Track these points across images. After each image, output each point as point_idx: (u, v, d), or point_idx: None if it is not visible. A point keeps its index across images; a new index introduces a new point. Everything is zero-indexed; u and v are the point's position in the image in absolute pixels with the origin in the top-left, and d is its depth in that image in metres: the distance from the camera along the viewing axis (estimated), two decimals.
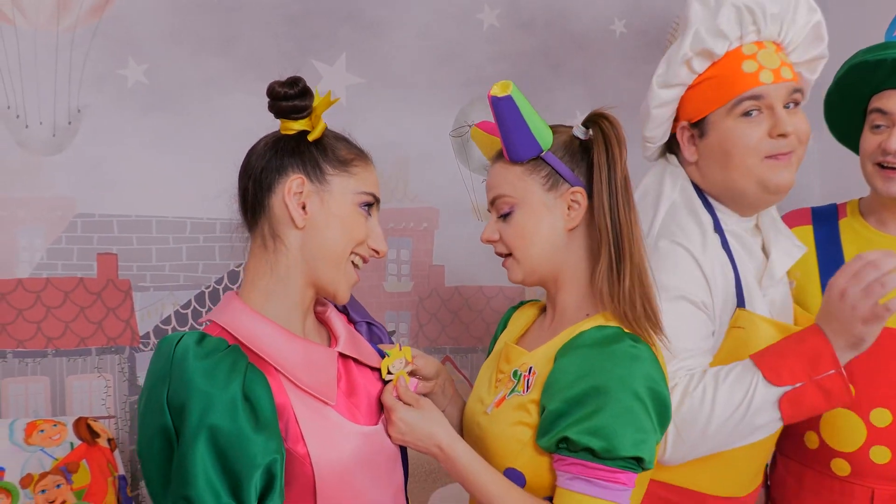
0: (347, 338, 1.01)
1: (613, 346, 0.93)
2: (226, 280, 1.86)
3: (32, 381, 1.71)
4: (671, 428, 1.05)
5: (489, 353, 1.23)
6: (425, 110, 2.00)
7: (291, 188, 0.91)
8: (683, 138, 1.26)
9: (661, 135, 1.29)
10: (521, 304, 1.24)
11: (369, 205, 0.96)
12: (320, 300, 1.03)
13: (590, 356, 0.93)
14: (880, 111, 1.26)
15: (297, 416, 0.87)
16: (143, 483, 1.79)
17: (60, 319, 1.73)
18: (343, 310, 1.10)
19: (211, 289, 1.85)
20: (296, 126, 0.94)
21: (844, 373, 0.99)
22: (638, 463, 0.90)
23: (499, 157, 1.09)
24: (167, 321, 1.82)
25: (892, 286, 0.94)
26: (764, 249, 1.27)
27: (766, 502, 1.44)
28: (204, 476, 0.76)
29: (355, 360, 1.00)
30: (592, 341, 0.94)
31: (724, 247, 1.19)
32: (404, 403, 0.97)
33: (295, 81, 0.93)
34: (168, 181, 1.80)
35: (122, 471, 1.58)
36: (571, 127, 1.07)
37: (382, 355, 1.03)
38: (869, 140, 1.29)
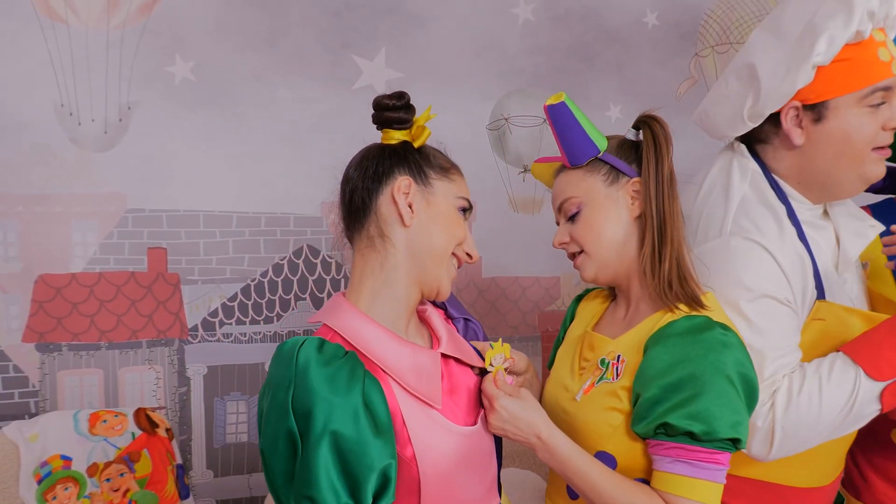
0: (448, 338, 1.05)
1: (705, 335, 0.97)
2: (271, 273, 1.89)
3: (87, 373, 1.75)
4: (777, 429, 1.07)
5: (559, 342, 1.26)
6: (462, 103, 2.03)
7: (401, 187, 0.96)
8: (789, 119, 1.18)
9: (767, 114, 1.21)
10: (587, 291, 1.28)
11: (465, 210, 1.01)
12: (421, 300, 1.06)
13: (682, 344, 0.97)
14: None
15: (406, 419, 0.90)
16: (191, 472, 1.83)
17: (113, 312, 1.77)
18: (441, 305, 1.14)
19: (256, 282, 1.88)
20: (397, 136, 1.00)
21: None
22: (734, 444, 0.95)
23: (560, 170, 1.16)
24: (214, 314, 1.86)
25: None
26: (836, 235, 1.24)
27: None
28: (326, 478, 0.81)
29: (456, 359, 1.03)
30: (683, 330, 0.99)
31: (801, 237, 1.17)
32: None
33: (401, 95, 1.00)
34: (214, 176, 1.83)
35: (179, 460, 1.62)
36: (621, 136, 1.15)
37: (479, 353, 1.07)
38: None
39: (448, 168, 1.01)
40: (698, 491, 0.93)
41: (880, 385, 1.03)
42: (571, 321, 1.26)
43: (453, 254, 0.99)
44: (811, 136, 1.18)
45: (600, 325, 1.17)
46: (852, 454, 1.40)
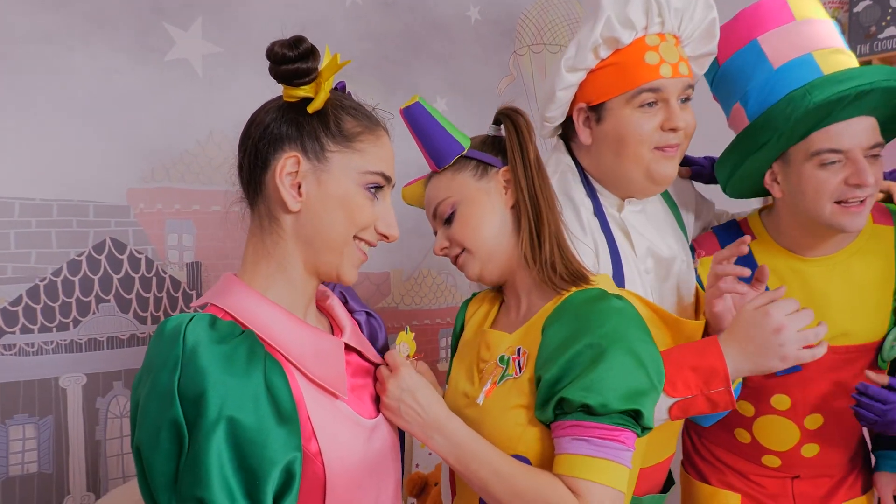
0: (351, 329, 0.93)
1: (600, 304, 0.95)
2: (65, 271, 1.61)
3: None
4: None
5: (453, 350, 1.19)
6: None
7: (284, 167, 0.82)
8: (580, 120, 1.29)
9: (559, 115, 1.32)
10: (474, 295, 1.23)
11: (377, 187, 0.87)
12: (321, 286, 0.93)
13: (577, 317, 0.94)
14: (833, 150, 1.18)
15: (309, 410, 0.79)
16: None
17: None
18: (341, 297, 1.02)
19: (47, 281, 1.59)
20: (298, 93, 0.84)
21: (731, 387, 1.06)
22: (636, 419, 0.90)
23: (428, 180, 1.14)
24: None
25: (822, 335, 1.04)
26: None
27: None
28: (219, 474, 0.68)
29: (358, 353, 0.92)
30: (578, 302, 0.96)
31: (605, 229, 1.24)
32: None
33: (297, 41, 0.84)
34: None
35: None
36: (482, 135, 1.16)
37: (383, 351, 0.96)
38: (824, 179, 1.19)
39: (354, 134, 0.86)
40: (599, 471, 0.87)
41: (671, 400, 1.08)
42: (462, 329, 1.20)
43: (361, 238, 0.86)
44: (596, 136, 1.27)
45: (496, 324, 1.12)
46: (692, 439, 1.50)
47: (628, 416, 0.90)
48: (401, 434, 0.98)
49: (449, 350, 1.75)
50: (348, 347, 0.91)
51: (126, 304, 1.68)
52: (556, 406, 0.90)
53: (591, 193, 1.28)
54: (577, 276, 1.02)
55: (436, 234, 1.13)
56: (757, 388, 1.27)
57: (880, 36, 2.43)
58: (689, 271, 1.33)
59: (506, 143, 1.08)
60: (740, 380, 1.13)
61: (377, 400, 0.93)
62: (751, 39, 1.27)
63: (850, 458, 1.36)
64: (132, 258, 1.69)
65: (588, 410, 0.88)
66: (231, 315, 0.81)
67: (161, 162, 1.72)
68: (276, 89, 1.66)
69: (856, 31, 2.48)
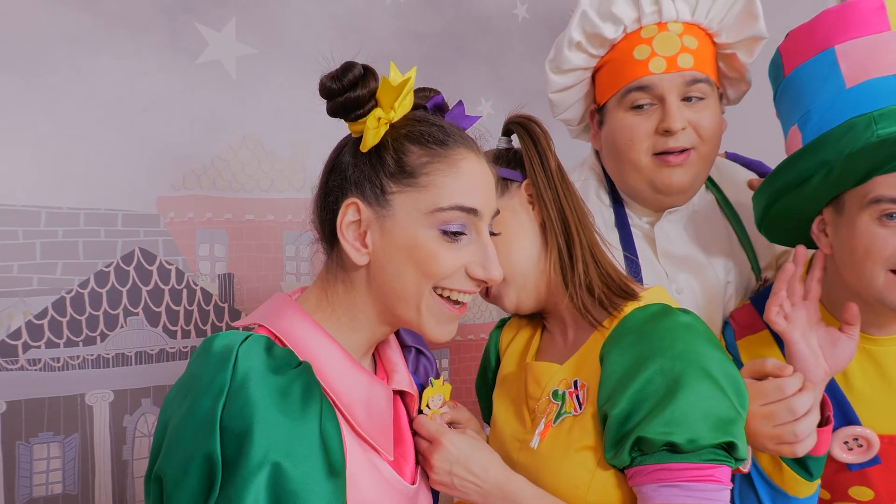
0: (403, 370, 0.83)
1: (664, 321, 0.82)
2: (92, 283, 1.54)
3: None
4: None
5: (482, 388, 1.07)
6: None
7: (346, 216, 0.72)
8: (594, 123, 1.19)
9: (571, 118, 1.23)
10: (503, 322, 1.10)
11: (454, 232, 0.73)
12: None
13: (640, 339, 0.81)
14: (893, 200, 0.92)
15: (349, 464, 0.68)
16: None
17: None
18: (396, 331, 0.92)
19: (74, 293, 1.52)
20: (360, 128, 0.73)
21: None
22: (729, 451, 0.77)
23: None
24: (16, 335, 1.47)
25: (802, 410, 0.86)
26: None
27: None
28: None
29: (402, 399, 0.81)
30: (639, 322, 0.83)
31: (625, 243, 1.14)
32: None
33: (344, 71, 0.72)
34: (14, 160, 1.45)
35: None
36: (491, 150, 1.02)
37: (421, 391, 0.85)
38: (881, 238, 0.93)
39: (420, 165, 0.72)
40: None
41: None
42: (497, 359, 1.07)
43: (445, 287, 0.73)
44: (602, 141, 1.17)
45: (541, 356, 0.99)
46: None
47: (720, 450, 0.76)
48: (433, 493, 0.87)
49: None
50: (398, 394, 0.80)
51: (155, 317, 1.60)
52: (632, 447, 0.77)
53: (616, 203, 1.18)
54: (622, 292, 0.89)
55: None
56: (830, 479, 1.06)
57: None
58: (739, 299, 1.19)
59: (521, 154, 0.96)
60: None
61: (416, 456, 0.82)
62: (827, 47, 0.98)
63: None
64: (162, 269, 1.62)
65: (674, 449, 0.75)
66: (283, 342, 0.72)
67: (192, 168, 1.64)
68: (314, 88, 1.56)
69: None
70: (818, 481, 0.97)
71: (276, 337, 0.71)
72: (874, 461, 1.01)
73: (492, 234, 0.94)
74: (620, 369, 0.80)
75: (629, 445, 0.76)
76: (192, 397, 0.63)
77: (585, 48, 1.12)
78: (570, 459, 0.83)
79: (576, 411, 0.84)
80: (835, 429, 1.00)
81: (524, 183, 0.95)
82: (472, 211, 0.73)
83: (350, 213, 0.72)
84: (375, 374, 0.81)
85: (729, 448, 0.77)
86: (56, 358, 1.51)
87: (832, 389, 1.02)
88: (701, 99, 1.09)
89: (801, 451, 0.86)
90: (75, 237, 1.52)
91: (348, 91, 0.71)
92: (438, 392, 0.84)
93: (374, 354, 0.83)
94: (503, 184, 0.95)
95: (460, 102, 0.82)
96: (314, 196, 0.77)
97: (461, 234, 0.73)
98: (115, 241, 1.57)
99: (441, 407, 0.84)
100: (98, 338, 1.55)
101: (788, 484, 0.96)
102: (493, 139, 0.96)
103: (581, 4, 1.10)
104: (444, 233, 0.72)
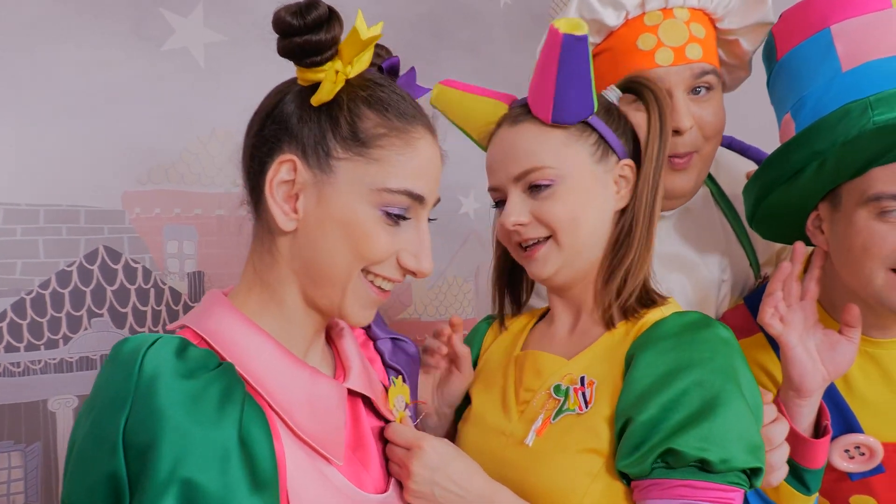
0: (360, 369, 0.75)
1: (706, 332, 0.78)
2: (54, 283, 1.47)
3: None
4: None
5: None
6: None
7: (278, 173, 0.66)
8: None
9: None
10: (491, 318, 1.05)
11: (396, 215, 0.67)
12: None
13: (679, 346, 0.77)
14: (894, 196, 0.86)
15: (289, 476, 0.62)
16: None
17: None
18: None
19: (34, 294, 1.45)
20: (312, 76, 0.66)
21: None
22: (751, 478, 0.74)
23: (517, 120, 0.89)
24: None
25: (777, 440, 0.84)
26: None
27: None
28: None
29: (366, 400, 0.75)
30: (677, 329, 0.79)
31: None
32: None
33: (309, 6, 0.66)
34: None
35: None
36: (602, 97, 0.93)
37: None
38: (880, 235, 0.87)
39: (377, 136, 0.67)
40: None
41: None
42: (480, 348, 1.02)
43: (375, 273, 0.67)
44: None
45: (539, 345, 0.93)
46: None
47: (744, 474, 0.73)
48: None
49: None
50: (354, 394, 0.74)
51: (121, 318, 1.53)
52: (658, 458, 0.72)
53: None
54: (648, 301, 0.86)
55: (502, 200, 0.90)
56: (831, 487, 1.02)
57: None
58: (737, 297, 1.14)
59: (641, 130, 0.88)
60: None
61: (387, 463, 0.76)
62: (823, 27, 0.91)
63: None
64: (128, 268, 1.55)
65: (704, 467, 0.71)
66: (208, 343, 0.65)
67: (159, 162, 1.57)
68: (287, 77, 1.48)
69: None
70: (815, 496, 0.92)
71: (202, 338, 0.65)
72: (877, 470, 0.97)
73: (537, 189, 0.87)
74: (653, 374, 0.76)
75: (655, 455, 0.72)
76: (95, 412, 0.58)
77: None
78: (569, 461, 0.78)
79: (580, 409, 0.79)
80: (836, 436, 0.95)
81: (623, 162, 0.88)
82: (418, 198, 0.68)
83: (284, 170, 0.66)
84: (335, 371, 0.75)
85: (753, 474, 0.74)
86: (16, 363, 1.44)
87: (832, 395, 0.97)
88: (708, 89, 1.03)
89: (776, 481, 0.83)
90: (35, 235, 1.45)
91: (310, 32, 0.65)
92: (399, 393, 0.79)
93: (334, 355, 0.77)
94: (603, 147, 0.88)
95: (412, 69, 0.75)
96: (243, 150, 0.70)
97: (403, 218, 0.68)
98: (77, 238, 1.50)
99: (404, 409, 0.79)
100: (61, 341, 1.48)
101: (785, 499, 0.91)
102: (442, 119, 0.88)
103: None
104: (387, 214, 0.67)
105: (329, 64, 0.65)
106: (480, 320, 1.07)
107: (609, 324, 0.85)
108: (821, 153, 0.85)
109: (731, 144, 1.26)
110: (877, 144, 0.83)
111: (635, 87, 0.91)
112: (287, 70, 1.71)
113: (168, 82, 1.57)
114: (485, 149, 0.95)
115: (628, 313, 0.85)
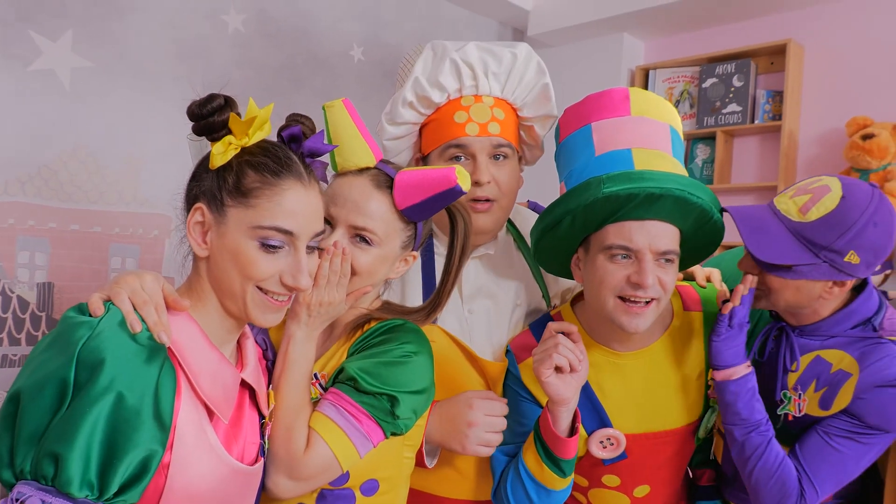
0: (255, 368, 0.94)
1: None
2: None
3: None
4: None
5: None
6: (164, 108, 1.84)
7: (193, 217, 0.87)
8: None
9: (403, 163, 1.40)
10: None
11: (271, 245, 0.87)
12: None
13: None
14: (622, 247, 1.14)
15: (179, 423, 0.80)
16: None
17: None
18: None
19: None
20: (216, 147, 0.87)
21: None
22: (391, 414, 0.97)
23: (381, 185, 1.08)
24: None
25: (497, 442, 1.14)
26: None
27: None
28: (86, 440, 0.72)
29: (251, 395, 0.93)
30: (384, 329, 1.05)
31: (425, 268, 1.34)
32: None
33: (208, 99, 0.87)
34: None
35: None
36: None
37: None
38: (610, 271, 1.15)
39: (250, 190, 0.86)
40: (333, 437, 0.94)
41: None
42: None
43: (263, 288, 0.88)
44: None
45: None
46: None
47: (385, 412, 0.98)
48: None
49: None
50: (245, 385, 0.93)
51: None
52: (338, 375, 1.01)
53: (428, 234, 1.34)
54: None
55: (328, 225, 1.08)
56: (588, 468, 1.30)
57: (724, 111, 2.70)
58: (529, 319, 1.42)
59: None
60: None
61: (262, 446, 0.95)
62: (586, 123, 1.26)
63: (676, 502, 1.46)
64: (5, 296, 1.58)
65: (355, 385, 0.98)
66: None
67: (16, 175, 1.63)
68: (152, 106, 1.62)
69: (703, 105, 2.74)
70: (571, 477, 1.19)
71: None
72: (622, 456, 1.26)
73: (368, 240, 1.06)
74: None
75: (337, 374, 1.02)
76: (56, 333, 0.77)
77: (416, 107, 1.31)
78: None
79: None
80: (592, 431, 1.23)
81: (412, 253, 1.12)
82: (287, 232, 0.88)
83: (197, 214, 0.87)
84: (237, 364, 0.93)
85: (392, 402, 0.99)
86: None
87: (591, 398, 1.25)
88: (505, 157, 1.32)
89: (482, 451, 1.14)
90: None
91: (207, 117, 0.85)
92: (273, 402, 0.97)
93: (238, 356, 0.95)
94: (411, 241, 1.10)
95: (322, 132, 0.97)
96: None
97: (278, 247, 0.88)
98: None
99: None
100: None
101: (547, 479, 1.18)
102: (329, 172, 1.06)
103: (414, 71, 1.30)
104: (263, 245, 0.87)
105: (226, 137, 0.85)
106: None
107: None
108: (571, 211, 1.16)
109: (535, 207, 1.58)
110: (607, 207, 1.14)
111: (449, 209, 1.13)
112: (151, 97, 1.82)
113: (32, 100, 1.64)
114: (334, 167, 1.12)
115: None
